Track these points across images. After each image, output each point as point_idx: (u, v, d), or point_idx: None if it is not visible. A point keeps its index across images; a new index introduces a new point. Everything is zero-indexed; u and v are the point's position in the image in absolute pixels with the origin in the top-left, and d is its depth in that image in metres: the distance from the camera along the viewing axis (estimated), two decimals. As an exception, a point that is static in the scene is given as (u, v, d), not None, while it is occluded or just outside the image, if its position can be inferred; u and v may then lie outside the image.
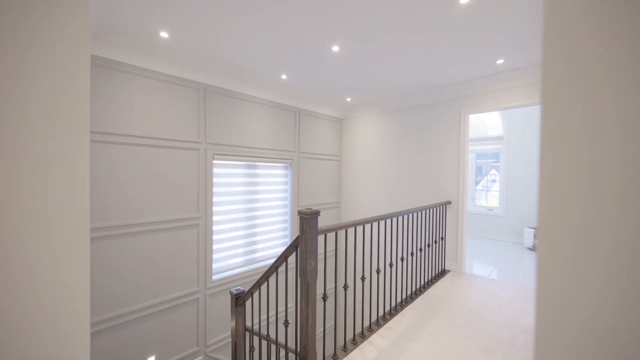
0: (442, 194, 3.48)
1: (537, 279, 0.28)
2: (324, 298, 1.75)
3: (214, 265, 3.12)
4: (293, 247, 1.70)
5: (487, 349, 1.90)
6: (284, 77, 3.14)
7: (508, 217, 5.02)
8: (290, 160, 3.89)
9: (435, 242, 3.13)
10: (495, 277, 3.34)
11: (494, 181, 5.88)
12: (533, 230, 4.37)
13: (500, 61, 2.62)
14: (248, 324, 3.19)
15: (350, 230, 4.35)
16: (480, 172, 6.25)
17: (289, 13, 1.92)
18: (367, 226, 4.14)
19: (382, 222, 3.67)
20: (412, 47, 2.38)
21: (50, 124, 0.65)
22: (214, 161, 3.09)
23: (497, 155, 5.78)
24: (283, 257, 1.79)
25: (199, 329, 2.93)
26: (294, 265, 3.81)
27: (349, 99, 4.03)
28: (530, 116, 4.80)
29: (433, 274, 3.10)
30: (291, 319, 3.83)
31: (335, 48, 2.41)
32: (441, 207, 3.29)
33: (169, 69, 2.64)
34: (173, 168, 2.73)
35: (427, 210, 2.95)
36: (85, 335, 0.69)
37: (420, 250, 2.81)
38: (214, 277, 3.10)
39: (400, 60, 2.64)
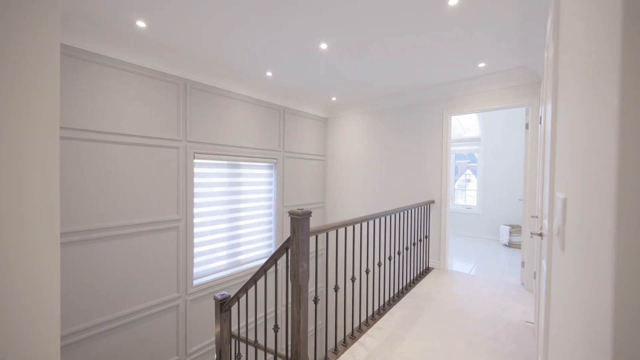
0: (426, 194, 3.55)
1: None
2: (316, 301, 1.71)
3: (195, 270, 2.98)
4: (283, 249, 1.65)
5: (474, 345, 1.94)
6: (269, 74, 3.06)
7: (485, 215, 5.24)
8: (275, 160, 3.81)
9: (420, 240, 3.18)
10: (475, 273, 3.46)
11: (468, 181, 6.13)
12: (508, 227, 4.58)
13: (482, 64, 2.71)
14: (234, 329, 3.07)
15: (339, 231, 4.34)
16: (456, 172, 6.49)
17: (277, 7, 1.86)
18: (356, 226, 4.15)
19: (367, 222, 3.70)
20: (399, 48, 2.40)
21: (15, 119, 0.56)
22: (195, 160, 2.94)
23: (472, 156, 6.03)
24: (272, 260, 1.73)
25: (179, 337, 2.78)
26: (281, 267, 3.74)
27: (334, 99, 4.01)
28: (506, 118, 5.04)
29: (418, 272, 3.15)
30: (279, 323, 3.75)
31: (324, 46, 2.37)
32: (425, 206, 3.36)
33: (146, 61, 2.48)
34: (151, 167, 2.56)
35: (413, 210, 2.99)
36: (55, 348, 0.62)
37: (407, 249, 2.84)
38: (195, 282, 2.95)
39: (387, 60, 2.66)
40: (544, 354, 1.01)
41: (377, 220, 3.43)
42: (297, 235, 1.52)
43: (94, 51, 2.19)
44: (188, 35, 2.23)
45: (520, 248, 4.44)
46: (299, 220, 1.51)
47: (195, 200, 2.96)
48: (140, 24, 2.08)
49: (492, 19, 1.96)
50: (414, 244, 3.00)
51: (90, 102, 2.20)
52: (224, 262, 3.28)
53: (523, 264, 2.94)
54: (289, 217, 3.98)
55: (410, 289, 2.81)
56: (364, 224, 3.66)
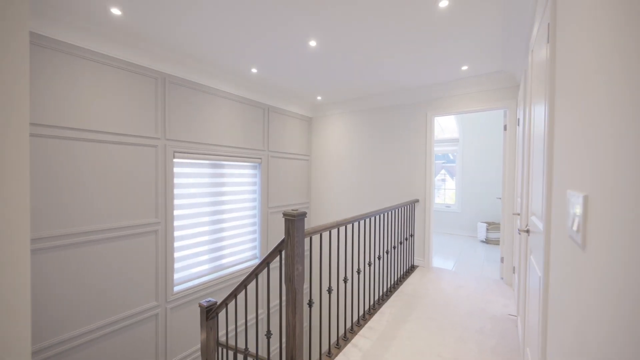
0: (410, 193, 3.62)
1: None
2: (310, 303, 1.66)
3: (176, 276, 2.81)
4: (277, 251, 1.58)
5: (463, 339, 1.99)
6: (254, 70, 2.96)
7: (463, 213, 5.45)
8: (259, 160, 3.70)
9: (406, 239, 3.23)
10: (457, 269, 3.58)
11: (444, 180, 6.36)
12: (485, 224, 4.80)
13: (464, 67, 2.80)
14: (221, 335, 2.94)
15: (331, 231, 4.32)
16: (433, 172, 6.68)
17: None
18: (347, 226, 4.14)
19: (359, 222, 3.71)
20: (388, 49, 2.41)
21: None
22: (175, 159, 2.78)
23: (447, 157, 6.26)
24: (265, 263, 1.66)
25: (159, 348, 2.61)
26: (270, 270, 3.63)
27: (319, 98, 3.98)
28: (483, 120, 5.27)
29: (404, 270, 3.19)
30: (263, 326, 3.64)
31: (313, 43, 2.33)
32: (410, 205, 3.41)
33: (121, 53, 2.30)
34: (126, 167, 2.38)
35: (399, 209, 3.03)
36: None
37: (394, 247, 2.87)
38: (176, 289, 2.79)
39: (375, 61, 2.66)
40: (541, 346, 1.04)
41: (367, 220, 3.46)
42: (292, 237, 1.47)
43: (64, 40, 1.99)
44: (167, 25, 2.10)
45: (497, 244, 4.66)
46: (294, 222, 1.46)
47: (176, 202, 2.79)
48: (115, 11, 1.91)
49: (477, 23, 2.02)
50: (400, 243, 3.04)
51: (60, 95, 2.00)
52: (206, 266, 3.13)
53: (502, 260, 3.08)
54: (275, 218, 3.89)
55: (398, 287, 2.85)
56: (355, 224, 3.67)
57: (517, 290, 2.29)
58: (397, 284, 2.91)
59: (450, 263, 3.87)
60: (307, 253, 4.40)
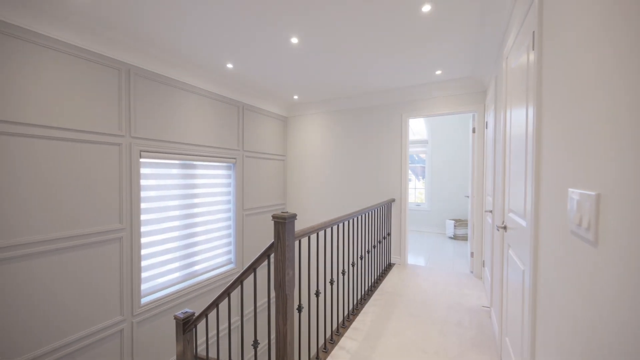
0: (386, 192, 3.70)
1: None
2: (300, 309, 1.60)
3: (143, 286, 2.57)
4: (265, 256, 1.50)
5: (444, 332, 2.07)
6: (229, 66, 2.81)
7: (432, 211, 5.73)
8: (234, 160, 3.54)
9: (384, 237, 3.29)
10: (430, 265, 3.73)
11: (409, 180, 6.66)
12: (453, 221, 5.08)
13: (438, 72, 2.93)
14: (199, 344, 2.73)
15: (319, 233, 4.25)
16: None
17: (250, -9, 1.70)
18: (328, 228, 4.10)
19: (343, 222, 3.69)
20: (369, 51, 2.43)
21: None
22: (142, 159, 2.54)
23: (411, 157, 6.56)
24: (251, 269, 1.56)
25: (124, 368, 2.36)
26: (252, 277, 3.47)
27: (296, 97, 3.91)
28: (450, 123, 5.57)
29: (382, 269, 3.25)
30: (244, 332, 3.48)
31: (294, 40, 2.27)
32: (387, 205, 3.49)
33: (78, 38, 2.04)
34: (85, 168, 2.12)
35: (378, 208, 3.08)
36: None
37: (374, 247, 2.91)
38: (144, 300, 2.55)
39: (354, 62, 2.67)
40: (529, 339, 1.10)
41: (350, 220, 3.47)
42: (283, 240, 1.40)
43: (10, 22, 1.70)
44: (134, 11, 1.90)
45: (464, 240, 4.96)
46: (284, 224, 1.39)
47: (143, 205, 2.55)
48: (73, -10, 1.69)
49: (455, 29, 2.11)
50: (379, 242, 3.09)
51: (5, 85, 1.71)
52: (177, 274, 2.91)
53: (472, 254, 3.27)
54: (251, 221, 3.74)
55: (378, 286, 2.89)
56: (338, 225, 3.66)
57: (489, 283, 2.43)
58: (377, 282, 2.95)
59: (422, 259, 4.03)
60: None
